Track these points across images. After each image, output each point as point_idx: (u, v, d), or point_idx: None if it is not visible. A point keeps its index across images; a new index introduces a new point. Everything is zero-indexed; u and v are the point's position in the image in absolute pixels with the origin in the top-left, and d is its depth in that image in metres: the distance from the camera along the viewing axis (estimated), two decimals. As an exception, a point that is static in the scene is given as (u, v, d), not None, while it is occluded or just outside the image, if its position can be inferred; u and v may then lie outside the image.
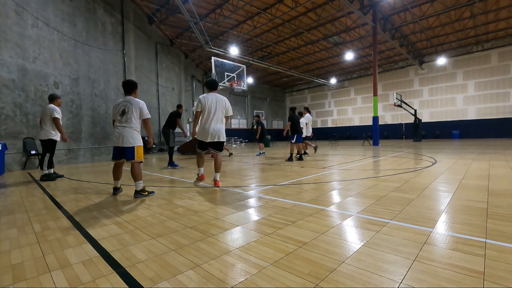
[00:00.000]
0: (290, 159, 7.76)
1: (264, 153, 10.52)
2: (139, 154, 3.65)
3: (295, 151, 8.17)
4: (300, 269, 1.56)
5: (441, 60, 19.75)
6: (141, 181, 3.64)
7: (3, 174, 6.64)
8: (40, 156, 5.57)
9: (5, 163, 6.99)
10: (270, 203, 3.10)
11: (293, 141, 7.76)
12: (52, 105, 5.39)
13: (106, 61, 11.24)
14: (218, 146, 4.26)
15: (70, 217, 2.77)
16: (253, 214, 2.71)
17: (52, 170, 5.53)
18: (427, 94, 21.81)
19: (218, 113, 4.18)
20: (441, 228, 2.16)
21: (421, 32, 16.80)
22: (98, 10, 10.95)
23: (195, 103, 4.24)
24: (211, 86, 4.29)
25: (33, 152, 7.90)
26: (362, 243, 1.90)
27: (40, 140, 5.40)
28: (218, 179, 4.27)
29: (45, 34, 8.71)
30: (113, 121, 3.77)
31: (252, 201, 3.25)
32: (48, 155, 5.46)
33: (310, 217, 2.52)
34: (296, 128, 7.77)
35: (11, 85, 7.70)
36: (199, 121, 4.24)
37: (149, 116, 3.74)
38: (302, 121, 8.58)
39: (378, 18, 14.39)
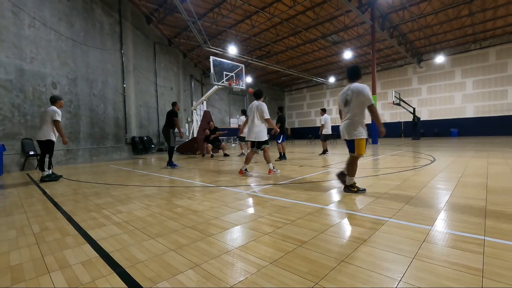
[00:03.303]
0: (282, 158, 7.95)
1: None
2: (359, 148, 3.34)
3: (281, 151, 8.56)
4: (299, 268, 1.56)
5: (440, 58, 19.79)
6: (353, 177, 3.42)
7: (2, 175, 6.61)
8: (39, 158, 5.53)
9: (4, 164, 6.96)
10: (270, 202, 3.10)
11: (280, 141, 8.13)
12: (53, 107, 5.38)
13: (104, 61, 11.20)
14: (257, 144, 5.19)
15: (69, 218, 2.77)
16: (253, 213, 2.71)
17: (50, 171, 5.52)
18: (426, 92, 21.85)
19: (253, 117, 5.13)
20: (440, 226, 2.17)
21: (419, 31, 16.82)
22: (95, 10, 10.91)
23: None
24: (255, 95, 5.35)
25: (31, 153, 7.88)
26: (362, 242, 1.90)
27: (38, 141, 5.36)
28: (271, 168, 5.19)
29: (42, 34, 8.67)
30: (340, 111, 3.62)
31: (251, 200, 3.25)
32: (47, 156, 5.44)
33: (310, 216, 2.53)
34: (282, 128, 8.16)
35: (8, 85, 7.67)
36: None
37: (372, 102, 3.28)
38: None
39: (376, 17, 14.39)
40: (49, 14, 8.94)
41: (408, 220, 2.32)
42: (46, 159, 5.42)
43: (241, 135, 9.94)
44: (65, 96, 9.28)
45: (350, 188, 3.44)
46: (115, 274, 1.57)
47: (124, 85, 12.24)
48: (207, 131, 10.17)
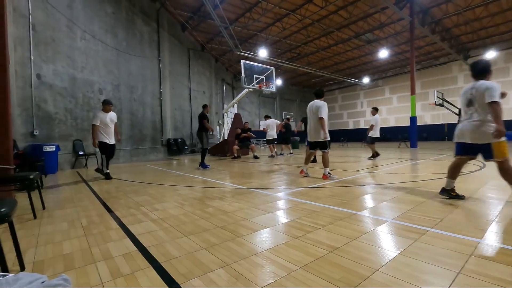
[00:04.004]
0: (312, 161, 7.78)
1: (291, 153, 11.04)
2: (501, 150, 2.81)
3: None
4: (330, 274, 1.52)
5: (491, 54, 17.86)
6: None
7: (56, 173, 7.40)
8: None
9: (58, 162, 7.79)
10: (299, 206, 3.06)
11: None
12: (97, 111, 5.87)
13: (143, 68, 12.00)
14: (320, 145, 5.02)
15: (112, 213, 3.00)
16: (282, 216, 2.70)
17: (101, 167, 6.06)
18: (474, 91, 19.86)
19: (312, 116, 5.01)
20: (491, 239, 1.96)
21: (466, 24, 15.39)
22: (136, 21, 11.75)
23: None
24: (315, 95, 5.20)
25: (81, 153, 8.70)
26: (399, 251, 1.79)
27: None
28: (325, 174, 4.91)
29: (91, 46, 9.57)
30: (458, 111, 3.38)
31: (281, 203, 3.23)
32: (102, 156, 5.88)
33: (341, 222, 2.44)
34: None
35: (63, 92, 8.58)
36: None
37: (495, 99, 2.77)
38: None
39: (416, 12, 13.49)
40: (97, 27, 9.85)
41: (452, 231, 2.13)
42: (103, 160, 5.89)
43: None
44: (109, 101, 10.13)
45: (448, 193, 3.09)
46: (151, 268, 1.67)
47: (161, 90, 12.98)
48: (238, 130, 10.51)
